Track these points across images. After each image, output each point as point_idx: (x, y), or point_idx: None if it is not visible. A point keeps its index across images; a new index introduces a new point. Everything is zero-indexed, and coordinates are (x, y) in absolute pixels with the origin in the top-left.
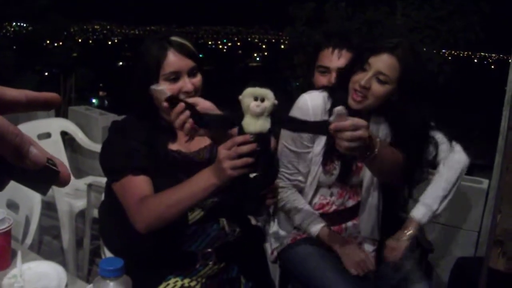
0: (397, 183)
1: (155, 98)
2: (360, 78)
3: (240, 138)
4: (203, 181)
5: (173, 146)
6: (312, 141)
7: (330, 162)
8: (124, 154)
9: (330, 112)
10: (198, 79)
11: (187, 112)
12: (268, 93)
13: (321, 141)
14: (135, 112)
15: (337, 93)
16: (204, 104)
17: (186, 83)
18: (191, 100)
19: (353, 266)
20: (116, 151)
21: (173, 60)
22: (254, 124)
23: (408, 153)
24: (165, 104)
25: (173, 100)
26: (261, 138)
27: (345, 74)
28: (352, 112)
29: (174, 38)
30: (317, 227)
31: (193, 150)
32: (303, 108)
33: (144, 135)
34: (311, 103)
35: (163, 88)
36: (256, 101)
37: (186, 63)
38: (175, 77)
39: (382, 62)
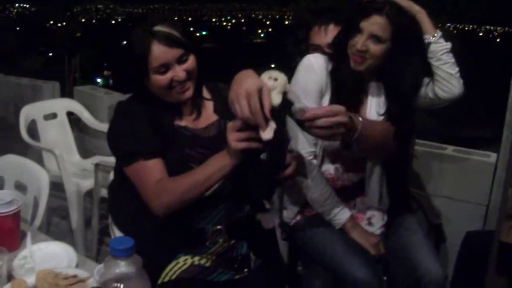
0: (390, 156)
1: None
2: (356, 42)
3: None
4: (218, 161)
5: (180, 122)
6: (320, 97)
7: None
8: (132, 137)
9: (331, 73)
10: (189, 62)
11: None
12: (281, 74)
13: (327, 96)
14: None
15: (337, 57)
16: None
17: (177, 72)
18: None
19: (371, 247)
20: (124, 134)
21: (159, 53)
22: None
23: (401, 115)
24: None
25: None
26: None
27: (341, 40)
28: (356, 74)
29: (157, 28)
30: (344, 217)
31: (201, 127)
32: (309, 67)
33: (149, 114)
34: (315, 62)
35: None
36: (270, 79)
37: (172, 53)
38: (164, 69)
39: (373, 23)
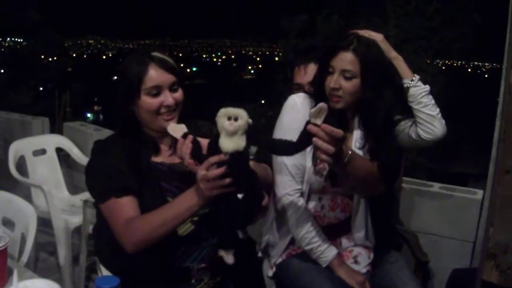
0: (373, 193)
1: (171, 134)
2: (329, 82)
3: (215, 158)
4: (186, 201)
5: (156, 159)
6: None
7: (321, 162)
8: (106, 175)
9: None
10: (179, 93)
11: (190, 145)
12: (241, 112)
13: None
14: (118, 129)
15: (317, 97)
16: (205, 143)
17: (167, 97)
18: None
19: (357, 285)
20: (98, 172)
21: (154, 74)
22: (228, 143)
23: (378, 148)
24: (180, 139)
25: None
26: (237, 156)
27: (318, 83)
28: (336, 112)
29: (155, 54)
30: (331, 254)
31: (177, 162)
32: (293, 106)
33: (126, 151)
34: (299, 101)
35: (183, 125)
36: (230, 120)
37: (167, 77)
38: (156, 92)
39: (341, 60)
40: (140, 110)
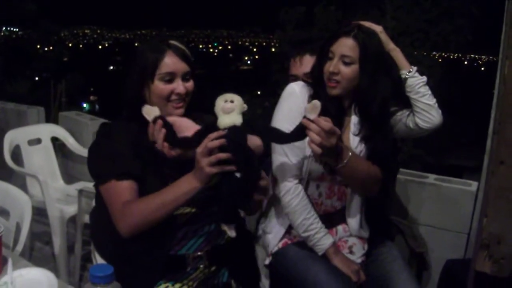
0: (371, 195)
1: (144, 114)
2: (329, 66)
3: (214, 134)
4: (185, 184)
5: None
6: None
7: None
8: (109, 158)
9: (312, 99)
10: (190, 84)
11: (163, 130)
12: (236, 96)
13: None
14: (125, 113)
15: (315, 85)
16: (181, 122)
17: (179, 85)
18: (170, 119)
19: (352, 274)
20: (102, 154)
21: (170, 61)
22: (226, 119)
23: (373, 135)
24: (151, 124)
25: (157, 119)
26: (234, 131)
27: (317, 69)
28: (333, 99)
29: (172, 42)
30: (328, 242)
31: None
32: (292, 94)
33: (131, 136)
34: (298, 89)
35: (156, 108)
36: (226, 102)
37: (181, 66)
38: (169, 78)
39: (342, 45)
40: (151, 95)
